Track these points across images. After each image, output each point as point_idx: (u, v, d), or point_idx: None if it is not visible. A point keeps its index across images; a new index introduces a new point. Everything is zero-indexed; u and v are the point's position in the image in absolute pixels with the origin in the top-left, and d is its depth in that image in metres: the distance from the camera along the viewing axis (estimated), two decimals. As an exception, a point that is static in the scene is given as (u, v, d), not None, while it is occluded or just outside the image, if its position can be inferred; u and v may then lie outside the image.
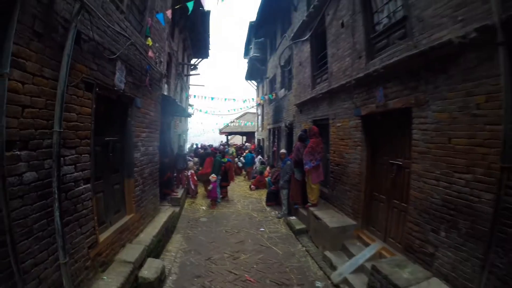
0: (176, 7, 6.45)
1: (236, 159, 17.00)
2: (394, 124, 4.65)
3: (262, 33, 16.26)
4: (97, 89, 3.50)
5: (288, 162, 8.20)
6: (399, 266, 3.81)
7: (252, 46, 18.73)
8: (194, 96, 18.32)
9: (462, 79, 3.21)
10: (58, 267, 2.70)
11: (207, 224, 7.71)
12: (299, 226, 7.04)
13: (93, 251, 3.43)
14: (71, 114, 3.00)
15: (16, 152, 2.24)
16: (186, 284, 4.54)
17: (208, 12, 12.33)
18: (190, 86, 19.33)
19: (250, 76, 21.86)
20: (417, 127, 3.91)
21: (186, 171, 10.73)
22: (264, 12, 13.13)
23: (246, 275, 4.86)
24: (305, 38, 8.81)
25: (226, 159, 10.80)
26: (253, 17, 18.96)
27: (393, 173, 4.69)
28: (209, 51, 17.83)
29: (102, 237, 3.80)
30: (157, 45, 6.23)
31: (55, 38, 2.64)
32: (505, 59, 2.70)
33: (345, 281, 4.46)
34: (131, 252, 4.31)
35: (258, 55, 18.23)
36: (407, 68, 4.05)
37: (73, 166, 3.07)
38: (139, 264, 4.25)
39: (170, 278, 4.69)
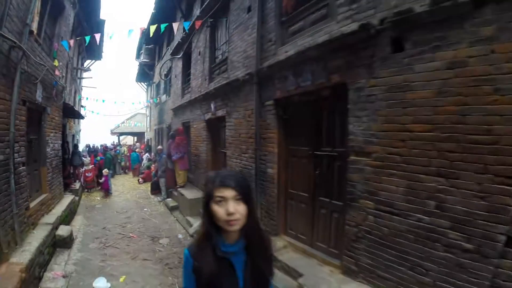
0: (77, 38, 7.36)
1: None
2: (221, 126, 6.76)
3: (152, 40, 16.91)
4: (27, 104, 4.87)
5: (164, 156, 9.75)
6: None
7: (142, 51, 19.17)
8: (87, 98, 17.84)
9: (243, 100, 5.43)
10: (12, 216, 3.98)
11: (102, 209, 8.85)
12: (173, 204, 8.65)
13: (27, 212, 4.71)
14: (17, 121, 4.26)
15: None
16: (89, 242, 5.95)
17: (103, 21, 12.77)
18: (82, 87, 18.61)
19: (140, 79, 22.16)
20: (227, 127, 6.09)
21: (81, 168, 11.22)
22: (154, 22, 13.94)
23: (130, 234, 6.42)
24: (179, 56, 10.47)
25: (99, 157, 11.79)
26: (145, 23, 19.28)
27: (222, 159, 6.83)
28: (102, 53, 17.68)
29: (31, 205, 5.00)
30: (61, 63, 7.14)
31: (10, 75, 4.03)
32: (256, 91, 4.92)
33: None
34: (49, 219, 5.57)
35: (147, 60, 18.61)
36: (223, 91, 6.19)
37: (18, 153, 4.40)
38: (56, 226, 5.50)
39: (77, 240, 5.95)
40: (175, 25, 6.27)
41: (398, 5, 2.63)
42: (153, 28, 6.27)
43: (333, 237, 3.80)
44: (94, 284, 4.04)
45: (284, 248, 4.32)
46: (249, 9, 5.24)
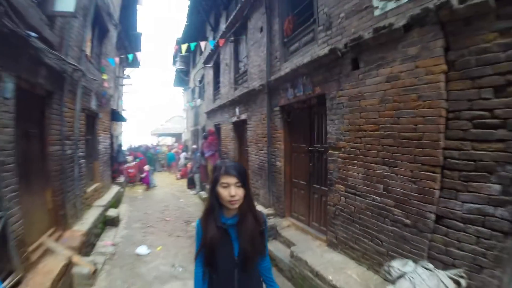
0: (122, 56, 8.91)
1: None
2: (244, 127, 7.78)
3: (187, 48, 18.34)
4: (86, 111, 6.14)
5: (198, 154, 11.08)
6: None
7: (178, 59, 20.83)
8: (128, 102, 19.97)
9: (259, 106, 6.44)
10: (75, 196, 5.24)
11: (143, 199, 10.41)
12: (206, 196, 9.77)
13: (85, 195, 6.00)
14: (79, 124, 5.46)
15: (65, 141, 4.83)
16: (132, 223, 7.26)
17: (140, 34, 14.59)
18: (124, 92, 20.83)
19: (177, 84, 23.88)
20: (248, 128, 7.15)
21: (124, 164, 12.95)
22: (187, 33, 14.97)
23: (167, 218, 7.75)
24: (210, 65, 11.75)
25: (137, 158, 13.75)
26: (179, 32, 20.93)
27: (246, 155, 7.87)
28: (140, 61, 19.66)
29: (87, 190, 6.32)
30: (108, 76, 8.70)
31: (73, 90, 5.18)
32: (267, 99, 5.93)
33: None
34: (101, 202, 6.90)
35: (183, 67, 20.24)
36: (246, 98, 7.23)
37: (80, 149, 5.63)
38: (106, 208, 6.81)
39: (123, 221, 7.27)
40: (202, 44, 7.42)
41: (355, 32, 3.47)
42: (184, 47, 7.46)
43: (323, 217, 4.66)
44: (136, 250, 5.29)
45: (288, 227, 5.26)
46: (261, 29, 6.25)
